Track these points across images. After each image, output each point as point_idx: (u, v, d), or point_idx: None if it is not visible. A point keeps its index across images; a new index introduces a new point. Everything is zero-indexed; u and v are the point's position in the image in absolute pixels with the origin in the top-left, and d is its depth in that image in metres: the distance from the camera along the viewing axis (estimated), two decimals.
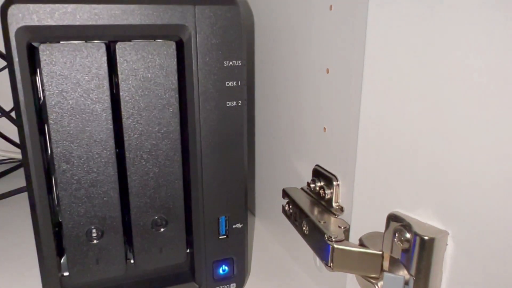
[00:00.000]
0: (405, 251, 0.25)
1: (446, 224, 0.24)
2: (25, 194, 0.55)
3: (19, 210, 0.53)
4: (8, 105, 0.63)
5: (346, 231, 0.30)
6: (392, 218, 0.26)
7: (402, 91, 0.25)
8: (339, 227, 0.31)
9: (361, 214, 0.29)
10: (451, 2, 0.22)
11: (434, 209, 0.24)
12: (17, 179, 0.62)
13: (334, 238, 0.29)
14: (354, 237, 0.30)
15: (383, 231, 0.27)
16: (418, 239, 0.24)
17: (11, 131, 0.65)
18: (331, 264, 0.29)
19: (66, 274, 0.32)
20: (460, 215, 0.23)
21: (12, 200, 0.56)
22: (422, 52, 0.24)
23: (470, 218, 0.23)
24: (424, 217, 0.25)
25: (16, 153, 0.68)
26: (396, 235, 0.25)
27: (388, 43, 0.25)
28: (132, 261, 0.33)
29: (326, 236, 0.29)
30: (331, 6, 0.31)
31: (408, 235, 0.25)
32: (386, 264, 0.27)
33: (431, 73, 0.23)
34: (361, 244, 0.29)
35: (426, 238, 0.23)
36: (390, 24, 0.25)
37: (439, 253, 0.24)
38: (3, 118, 0.62)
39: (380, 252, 0.27)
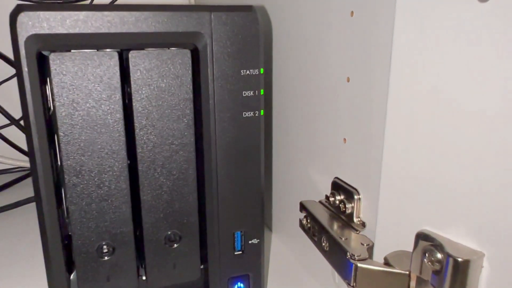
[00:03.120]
0: (436, 273, 0.23)
1: (482, 245, 0.22)
2: (35, 204, 0.55)
3: (28, 220, 0.52)
4: (17, 113, 0.63)
5: (370, 249, 0.29)
6: (422, 236, 0.24)
7: (433, 100, 0.24)
8: (362, 244, 0.29)
9: (386, 231, 0.28)
10: (486, 5, 0.20)
11: (467, 228, 0.23)
12: (27, 189, 0.61)
13: (357, 256, 0.27)
14: (378, 255, 0.28)
15: (410, 249, 0.25)
16: (451, 260, 0.22)
17: (21, 139, 0.65)
18: (354, 284, 0.27)
19: None
20: (497, 235, 0.21)
21: (21, 210, 0.55)
22: (455, 60, 0.22)
23: (509, 239, 0.21)
24: (456, 236, 0.23)
25: (26, 162, 0.67)
26: (426, 255, 0.24)
27: (417, 51, 0.24)
28: (144, 278, 0.32)
29: (348, 254, 0.28)
30: (352, 12, 0.30)
31: (439, 256, 0.23)
32: (412, 284, 0.26)
33: (464, 83, 0.22)
34: (386, 263, 0.27)
35: (460, 260, 0.22)
36: (419, 31, 0.24)
37: (474, 275, 0.22)
38: (13, 127, 0.62)
39: (407, 272, 0.26)
